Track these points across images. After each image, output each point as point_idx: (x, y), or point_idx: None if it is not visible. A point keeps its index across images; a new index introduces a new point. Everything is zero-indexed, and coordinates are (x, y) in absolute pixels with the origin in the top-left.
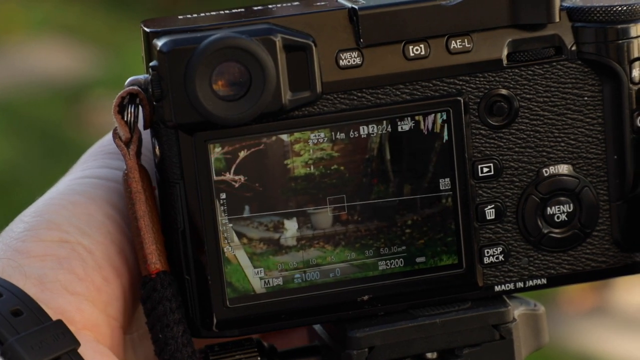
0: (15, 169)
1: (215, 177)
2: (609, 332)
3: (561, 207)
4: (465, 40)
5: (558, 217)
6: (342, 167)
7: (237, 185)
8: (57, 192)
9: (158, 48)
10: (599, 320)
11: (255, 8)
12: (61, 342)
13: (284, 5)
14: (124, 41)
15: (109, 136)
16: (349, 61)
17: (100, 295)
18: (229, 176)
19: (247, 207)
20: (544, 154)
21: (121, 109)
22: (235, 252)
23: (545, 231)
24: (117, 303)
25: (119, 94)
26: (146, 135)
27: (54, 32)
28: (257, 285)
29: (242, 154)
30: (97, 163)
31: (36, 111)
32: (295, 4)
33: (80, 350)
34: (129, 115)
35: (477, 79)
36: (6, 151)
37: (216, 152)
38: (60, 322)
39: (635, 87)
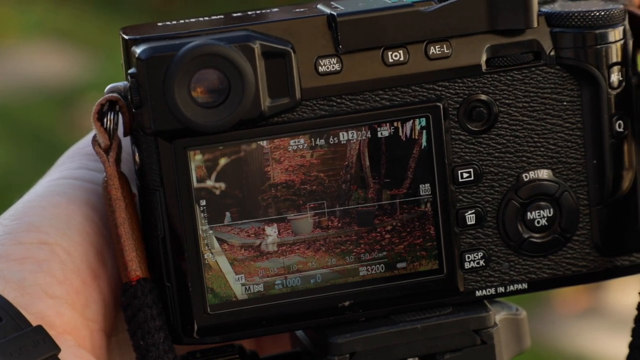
0: (8, 173)
1: (195, 185)
2: (603, 333)
3: (541, 212)
4: (444, 46)
5: (538, 222)
6: (321, 174)
7: (217, 192)
8: (35, 194)
9: (136, 55)
10: (593, 321)
11: (235, 14)
12: (41, 348)
13: (264, 11)
14: (116, 44)
15: (86, 138)
16: (328, 67)
17: (79, 298)
18: (209, 183)
19: (227, 214)
20: (524, 159)
21: (100, 116)
22: (217, 258)
23: (526, 236)
24: (96, 305)
25: (98, 101)
26: (127, 141)
27: (46, 36)
28: (239, 291)
29: (222, 162)
30: (75, 164)
31: (29, 115)
32: (274, 10)
33: (61, 356)
34: (109, 122)
35: (457, 84)
36: None
37: (196, 159)
38: (40, 328)
39: (614, 92)
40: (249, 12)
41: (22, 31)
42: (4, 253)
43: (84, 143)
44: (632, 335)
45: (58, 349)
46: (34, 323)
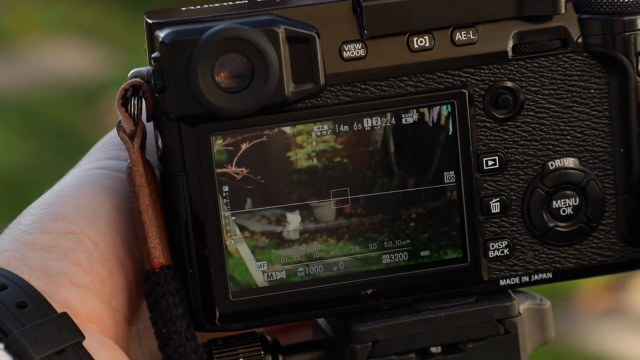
0: (31, 169)
1: (217, 170)
2: (625, 333)
3: (567, 200)
4: (470, 32)
5: (564, 211)
6: (345, 160)
7: (239, 177)
8: (65, 184)
9: (160, 39)
10: (615, 321)
11: (259, 0)
12: (66, 334)
13: None
14: (139, 41)
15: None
16: (352, 53)
17: (105, 287)
18: (231, 168)
19: (249, 200)
20: (550, 147)
21: (124, 102)
22: (238, 245)
23: (551, 225)
24: (121, 295)
25: (122, 86)
26: (152, 127)
27: (69, 33)
28: (260, 279)
29: (244, 146)
30: (106, 154)
31: (52, 111)
32: None
33: (85, 343)
34: (133, 108)
35: (482, 71)
36: (22, 151)
37: (219, 144)
38: (65, 315)
39: None
40: None
41: (46, 28)
42: (31, 241)
43: (115, 133)
44: None
45: (82, 337)
46: (59, 310)
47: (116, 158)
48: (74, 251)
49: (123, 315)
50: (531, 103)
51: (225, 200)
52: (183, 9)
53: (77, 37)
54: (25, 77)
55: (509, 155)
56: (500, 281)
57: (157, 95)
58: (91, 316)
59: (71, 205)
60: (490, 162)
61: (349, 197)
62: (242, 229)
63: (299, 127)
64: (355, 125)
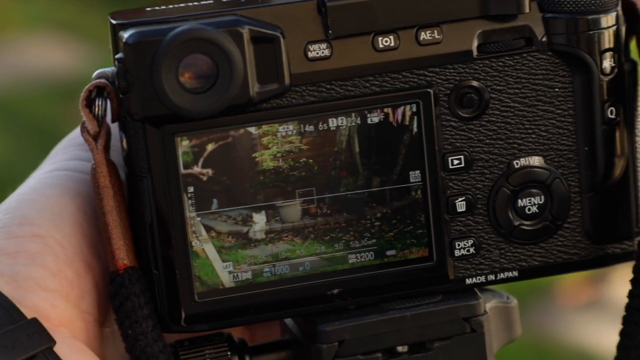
0: (10, 166)
1: (182, 171)
2: (605, 326)
3: (532, 199)
4: (435, 31)
5: (529, 209)
6: (310, 160)
7: (204, 178)
8: (28, 187)
9: (124, 40)
10: (595, 314)
11: (224, 0)
12: (36, 340)
13: None
14: None
15: (79, 129)
16: (317, 53)
17: (73, 290)
18: (196, 169)
19: (215, 201)
20: (515, 145)
21: (89, 103)
22: (204, 246)
23: (517, 223)
24: (90, 297)
25: (86, 87)
26: (117, 128)
27: (50, 29)
28: (226, 279)
29: (209, 147)
30: (67, 155)
31: (32, 108)
32: None
33: (56, 348)
34: (97, 109)
35: (447, 70)
36: (2, 148)
37: (183, 145)
38: (35, 320)
39: (606, 78)
40: None
41: (25, 24)
42: None
43: (76, 133)
44: (623, 323)
45: (53, 342)
46: (29, 316)
47: (78, 159)
48: (41, 255)
49: (93, 317)
50: (496, 102)
51: (190, 201)
52: (148, 9)
53: (57, 33)
54: (4, 73)
55: (474, 154)
56: (466, 280)
57: (121, 96)
58: (62, 320)
59: (36, 208)
60: (455, 161)
61: (315, 197)
62: (208, 229)
63: (265, 127)
64: (320, 125)
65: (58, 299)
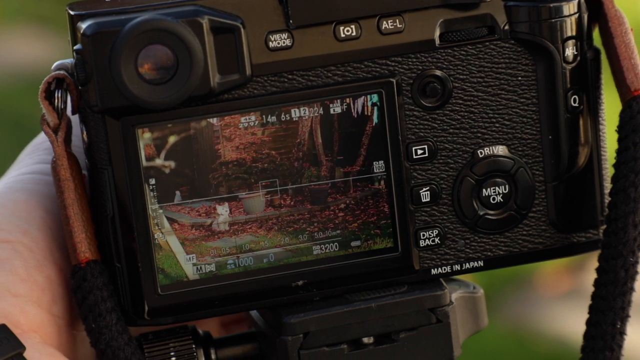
0: None
1: (144, 163)
2: (585, 315)
3: (497, 188)
4: (397, 20)
5: (494, 199)
6: (273, 152)
7: (167, 171)
8: None
9: (82, 31)
10: (575, 302)
11: None
12: (4, 347)
13: None
14: None
15: (43, 134)
16: (278, 43)
17: (45, 294)
18: (158, 162)
19: (177, 193)
20: (479, 135)
21: (48, 95)
22: (167, 238)
23: (481, 213)
24: (62, 301)
25: (45, 79)
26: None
27: (27, 22)
28: (190, 272)
29: (171, 139)
30: (33, 160)
31: (9, 102)
32: None
33: (26, 354)
34: (57, 101)
35: (410, 59)
36: None
37: (145, 137)
38: (3, 327)
39: (569, 67)
40: None
41: (3, 18)
42: None
43: (42, 138)
44: (589, 312)
45: (23, 347)
46: None
47: (45, 162)
48: (9, 260)
49: (65, 321)
50: (459, 91)
51: (152, 193)
52: None
53: (35, 27)
54: None
55: (438, 143)
56: (432, 270)
57: (80, 87)
58: (32, 326)
59: (3, 213)
60: (419, 151)
61: (278, 188)
62: (171, 221)
63: (226, 119)
64: (282, 116)
65: (28, 304)
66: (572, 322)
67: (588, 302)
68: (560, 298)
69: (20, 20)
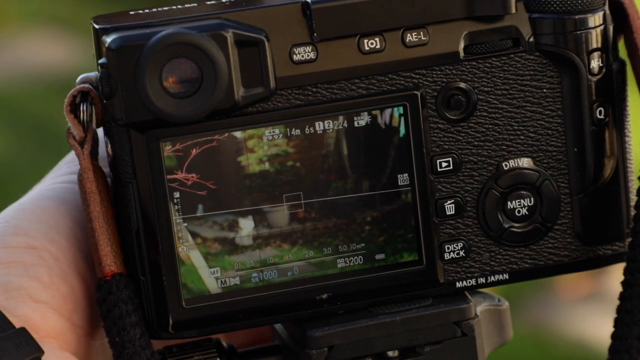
0: (8, 163)
1: (167, 176)
2: (605, 318)
3: (522, 201)
4: (421, 33)
5: (519, 212)
6: (298, 164)
7: (189, 183)
8: (27, 198)
9: (106, 45)
10: (595, 306)
11: (208, 3)
12: (24, 350)
13: None
14: None
15: None
16: (302, 56)
17: (66, 303)
18: (180, 174)
19: (200, 206)
20: (504, 147)
21: (74, 108)
22: (190, 252)
23: (506, 226)
24: (83, 311)
25: (70, 92)
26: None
27: (46, 24)
28: (213, 286)
29: (194, 152)
30: (70, 169)
31: (29, 104)
32: None
33: (44, 358)
34: (83, 114)
35: (434, 72)
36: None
37: (167, 149)
38: (23, 330)
39: (594, 78)
40: (223, 0)
41: (21, 20)
42: None
43: None
44: (614, 325)
45: (41, 351)
46: (18, 326)
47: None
48: (34, 266)
49: (84, 331)
50: (484, 103)
51: (176, 206)
52: (132, 12)
53: (54, 29)
54: (2, 69)
55: (462, 156)
56: (457, 283)
57: (105, 101)
58: (51, 331)
59: (31, 219)
60: (444, 164)
61: (302, 201)
62: (194, 235)
63: (250, 131)
64: (307, 128)
65: (49, 311)
66: (592, 325)
67: (608, 305)
68: (581, 301)
69: (39, 22)
